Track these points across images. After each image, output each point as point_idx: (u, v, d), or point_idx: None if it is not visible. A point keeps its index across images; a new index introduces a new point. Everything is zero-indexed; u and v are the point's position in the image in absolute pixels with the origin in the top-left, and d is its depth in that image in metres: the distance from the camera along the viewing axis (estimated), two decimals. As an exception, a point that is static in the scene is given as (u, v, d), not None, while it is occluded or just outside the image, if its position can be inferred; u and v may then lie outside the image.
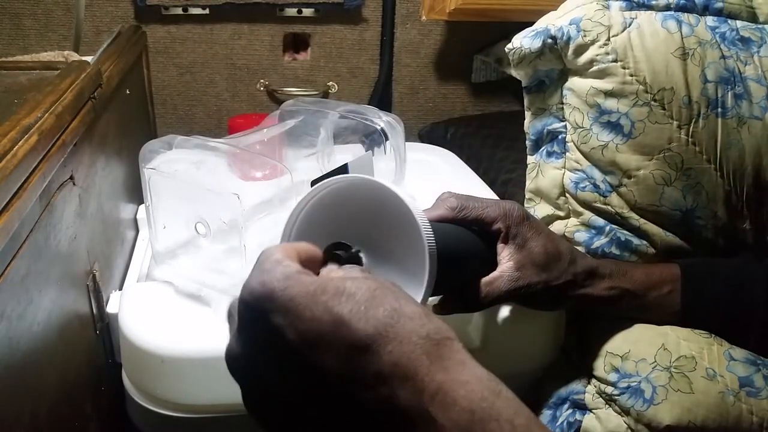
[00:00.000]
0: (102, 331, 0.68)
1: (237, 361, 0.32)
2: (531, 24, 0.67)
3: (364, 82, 1.28)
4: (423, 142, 1.22)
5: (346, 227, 0.42)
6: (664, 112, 0.61)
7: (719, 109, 0.62)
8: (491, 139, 1.13)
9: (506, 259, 0.52)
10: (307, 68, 1.26)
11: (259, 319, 0.31)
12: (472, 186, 0.93)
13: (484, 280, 0.52)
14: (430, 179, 0.94)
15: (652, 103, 0.61)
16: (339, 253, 0.38)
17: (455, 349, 0.29)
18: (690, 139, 0.61)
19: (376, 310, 0.29)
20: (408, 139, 0.83)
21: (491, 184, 0.96)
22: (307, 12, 1.20)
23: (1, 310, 0.43)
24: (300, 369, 0.29)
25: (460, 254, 0.49)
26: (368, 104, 1.22)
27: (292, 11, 1.19)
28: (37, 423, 0.49)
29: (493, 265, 0.53)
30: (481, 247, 0.52)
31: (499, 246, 0.53)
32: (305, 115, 0.82)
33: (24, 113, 0.52)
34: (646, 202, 0.62)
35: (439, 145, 1.12)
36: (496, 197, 0.91)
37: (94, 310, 0.65)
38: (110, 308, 0.70)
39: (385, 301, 0.30)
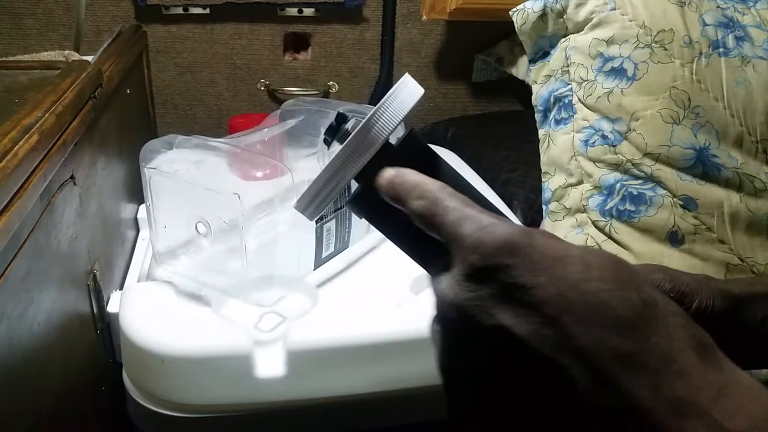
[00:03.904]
0: (102, 331, 0.68)
1: (456, 321, 0.29)
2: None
3: (365, 82, 1.28)
4: (423, 141, 1.22)
5: None
6: (666, 52, 0.62)
7: (721, 49, 0.63)
8: (491, 139, 1.13)
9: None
10: (308, 68, 1.26)
11: (496, 271, 0.28)
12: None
13: None
14: (430, 179, 0.94)
15: (653, 44, 0.63)
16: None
17: (720, 355, 0.27)
18: (694, 77, 0.62)
19: (633, 293, 0.27)
20: (408, 138, 0.83)
21: (491, 184, 0.96)
22: (308, 12, 1.20)
23: (1, 310, 0.43)
24: (543, 336, 0.27)
25: None
26: (369, 104, 1.22)
27: (292, 11, 1.19)
28: (37, 423, 0.49)
29: None
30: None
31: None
32: (306, 115, 0.82)
33: (24, 113, 0.52)
34: (656, 143, 0.62)
35: (439, 145, 1.12)
36: (496, 197, 0.91)
37: (95, 310, 0.65)
38: (111, 308, 0.70)
39: (639, 285, 0.27)
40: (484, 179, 0.96)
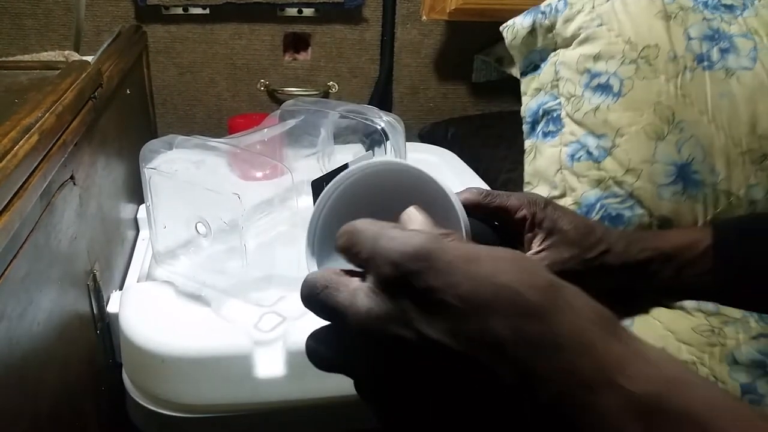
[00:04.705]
0: (102, 331, 0.68)
1: (362, 336, 0.29)
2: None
3: (365, 82, 1.28)
4: (423, 142, 1.22)
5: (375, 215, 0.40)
6: (650, 68, 0.63)
7: (705, 63, 0.64)
8: (491, 139, 1.13)
9: (536, 245, 0.50)
10: (308, 68, 1.26)
11: (410, 278, 0.28)
12: (472, 186, 0.92)
13: None
14: (430, 179, 0.94)
15: (639, 60, 0.64)
16: None
17: (621, 327, 0.28)
18: (679, 92, 0.63)
19: (540, 279, 0.28)
20: (408, 139, 0.83)
21: (491, 184, 0.96)
22: (308, 12, 1.20)
23: (1, 310, 0.43)
24: (461, 335, 0.27)
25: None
26: (368, 104, 1.22)
27: (292, 11, 1.19)
28: (37, 423, 0.49)
29: None
30: (496, 241, 0.51)
31: (527, 237, 0.51)
32: (305, 115, 0.82)
33: (24, 113, 0.52)
34: (639, 158, 0.62)
35: (439, 145, 1.12)
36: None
37: (95, 310, 0.65)
38: (111, 308, 0.70)
39: (543, 272, 0.29)
40: (484, 179, 0.96)
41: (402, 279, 0.28)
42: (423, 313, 0.28)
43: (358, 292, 0.30)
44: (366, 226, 0.31)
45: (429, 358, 0.28)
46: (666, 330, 0.59)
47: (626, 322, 0.60)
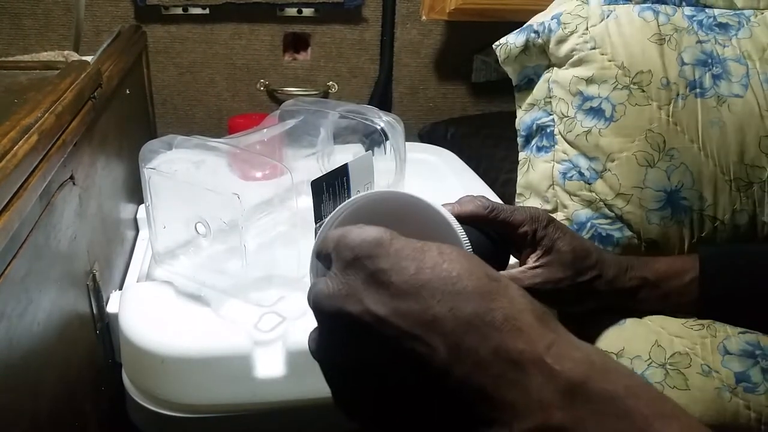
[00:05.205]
0: (102, 331, 0.68)
1: (330, 302, 0.33)
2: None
3: (364, 82, 1.28)
4: (423, 142, 1.22)
5: None
6: (643, 94, 0.63)
7: (698, 90, 0.63)
8: (491, 139, 1.13)
9: (532, 261, 0.53)
10: (307, 68, 1.26)
11: (363, 261, 0.32)
12: (472, 186, 0.93)
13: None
14: (430, 179, 0.94)
15: (631, 86, 0.63)
16: None
17: (555, 321, 0.31)
18: (671, 119, 0.62)
19: (480, 270, 0.31)
20: (408, 139, 0.83)
21: (491, 184, 0.96)
22: (307, 12, 1.20)
23: (1, 310, 0.43)
24: (403, 312, 0.30)
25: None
26: (368, 104, 1.22)
27: (292, 11, 1.19)
28: (37, 423, 0.49)
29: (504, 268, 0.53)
30: (493, 251, 0.52)
31: (526, 251, 0.53)
32: (305, 115, 0.82)
33: (24, 113, 0.52)
34: (630, 184, 0.63)
35: (439, 145, 1.12)
36: (496, 197, 0.91)
37: (94, 310, 0.65)
38: (110, 308, 0.70)
39: (487, 268, 0.32)
40: (484, 179, 0.96)
41: (357, 262, 0.32)
42: (371, 291, 0.31)
43: (322, 279, 0.34)
44: (335, 230, 0.35)
45: (373, 332, 0.31)
46: (658, 327, 0.59)
47: (619, 322, 0.61)
